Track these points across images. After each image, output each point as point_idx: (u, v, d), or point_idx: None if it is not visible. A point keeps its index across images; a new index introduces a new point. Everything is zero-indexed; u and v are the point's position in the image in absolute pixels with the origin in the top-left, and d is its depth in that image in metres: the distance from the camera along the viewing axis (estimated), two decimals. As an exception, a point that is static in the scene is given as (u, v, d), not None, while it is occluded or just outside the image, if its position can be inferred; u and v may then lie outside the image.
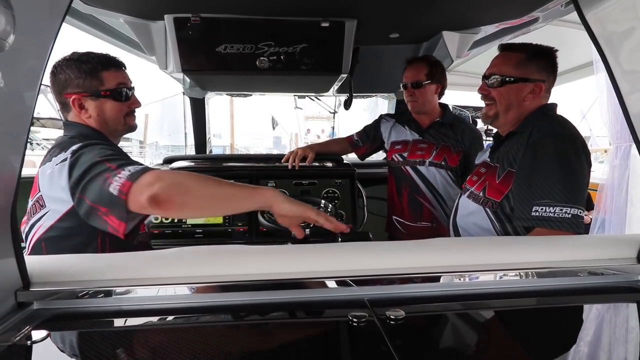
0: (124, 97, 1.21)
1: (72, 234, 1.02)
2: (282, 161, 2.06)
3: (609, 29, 0.93)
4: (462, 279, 0.80)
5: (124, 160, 0.93)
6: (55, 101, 1.18)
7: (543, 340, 0.65)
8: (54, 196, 1.00)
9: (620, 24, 0.91)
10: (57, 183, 0.98)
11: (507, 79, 1.29)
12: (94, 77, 1.16)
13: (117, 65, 1.21)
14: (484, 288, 0.79)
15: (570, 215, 1.11)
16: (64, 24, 1.77)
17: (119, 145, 1.30)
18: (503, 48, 1.37)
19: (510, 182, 1.26)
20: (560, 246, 0.91)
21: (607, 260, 0.87)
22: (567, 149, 1.19)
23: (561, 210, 1.12)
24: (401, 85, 1.99)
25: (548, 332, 0.68)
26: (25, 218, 1.10)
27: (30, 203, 1.08)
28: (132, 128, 1.28)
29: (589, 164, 1.22)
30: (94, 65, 1.16)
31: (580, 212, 1.13)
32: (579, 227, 1.13)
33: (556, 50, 1.34)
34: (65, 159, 0.98)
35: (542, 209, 1.14)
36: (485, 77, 1.36)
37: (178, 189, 0.86)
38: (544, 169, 1.17)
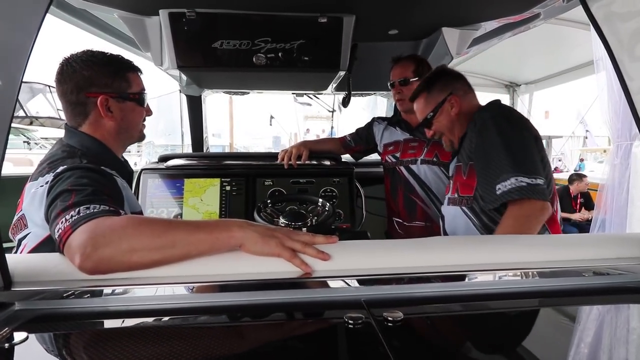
0: (145, 102, 1.18)
1: None
2: (278, 161, 2.03)
3: (615, 22, 0.90)
4: (462, 279, 0.78)
5: (87, 196, 0.83)
6: (65, 101, 1.08)
7: (547, 343, 0.62)
8: (34, 219, 0.95)
9: (627, 15, 0.88)
10: (37, 207, 0.93)
11: (429, 116, 1.50)
12: (122, 78, 1.11)
13: (138, 68, 1.17)
14: (485, 288, 0.76)
15: (525, 184, 1.17)
16: (58, 20, 1.74)
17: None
18: (411, 99, 1.58)
19: (475, 174, 1.34)
20: (564, 245, 0.88)
21: (612, 259, 0.84)
22: (503, 124, 1.29)
23: (516, 179, 1.18)
24: (389, 85, 1.98)
25: (552, 335, 0.65)
26: (12, 227, 1.03)
27: (15, 217, 1.02)
28: (143, 137, 1.24)
29: (530, 132, 1.30)
30: (121, 66, 1.12)
31: (533, 180, 1.17)
32: (540, 195, 1.17)
33: (442, 65, 1.63)
34: (48, 182, 0.92)
35: (502, 185, 1.20)
36: (421, 124, 1.56)
37: (114, 252, 0.71)
38: (491, 149, 1.26)
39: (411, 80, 1.89)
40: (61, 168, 0.93)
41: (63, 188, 0.86)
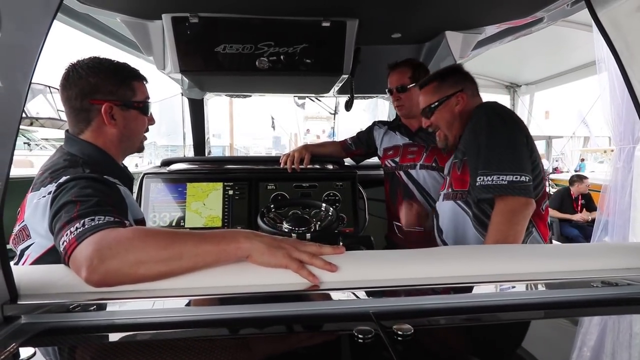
0: (149, 111, 1.19)
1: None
2: (281, 165, 2.03)
3: (622, 28, 0.90)
4: (471, 290, 0.77)
5: (92, 207, 0.82)
6: (69, 107, 1.08)
7: (558, 355, 0.62)
8: (37, 229, 0.94)
9: (634, 22, 0.88)
10: (40, 217, 0.92)
11: (433, 105, 1.50)
12: (127, 86, 1.11)
13: (143, 77, 1.17)
14: (495, 300, 0.76)
15: (506, 182, 1.22)
16: (61, 24, 1.74)
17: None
18: (420, 86, 1.58)
19: (468, 169, 1.39)
20: (573, 255, 0.88)
21: (621, 270, 0.83)
22: (496, 122, 1.32)
23: (498, 177, 1.23)
24: (387, 91, 1.97)
25: (563, 347, 0.65)
26: (13, 237, 1.03)
27: (17, 227, 1.01)
28: (142, 148, 1.24)
29: (521, 132, 1.33)
30: (127, 74, 1.12)
31: (518, 178, 1.22)
32: (522, 191, 1.22)
33: (460, 65, 1.61)
34: (51, 192, 0.91)
35: (480, 179, 1.27)
36: (422, 114, 1.57)
37: (120, 264, 0.71)
38: (481, 144, 1.31)
39: (408, 86, 1.88)
40: (64, 178, 0.92)
41: (67, 199, 0.85)
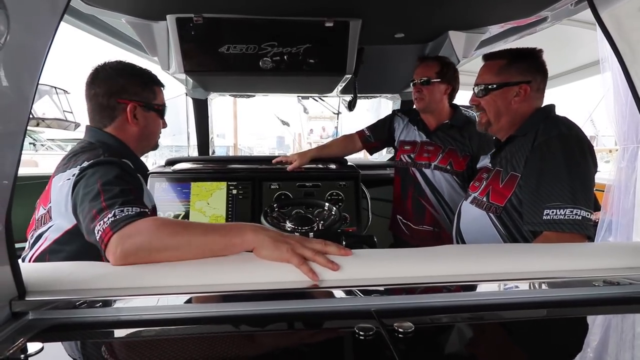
0: (164, 115, 1.29)
1: (76, 251, 1.00)
2: (274, 161, 2.05)
3: (625, 28, 0.90)
4: (472, 289, 0.77)
5: (119, 196, 0.90)
6: (95, 103, 1.15)
7: (558, 354, 0.62)
8: (60, 211, 1.00)
9: (637, 22, 0.88)
10: (64, 199, 0.99)
11: (490, 86, 1.33)
12: (149, 90, 1.22)
13: (162, 84, 1.28)
14: (496, 298, 0.76)
15: (580, 217, 1.11)
16: (66, 25, 1.76)
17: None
18: (486, 58, 1.40)
19: (513, 185, 1.25)
20: (574, 254, 0.88)
21: (623, 269, 0.83)
22: (574, 150, 1.18)
23: (571, 212, 1.11)
24: (411, 83, 1.94)
25: (563, 345, 0.65)
26: (33, 224, 1.09)
27: (42, 211, 1.07)
28: (157, 146, 1.33)
29: (595, 166, 1.22)
30: (150, 79, 1.23)
31: (589, 215, 1.12)
32: (589, 230, 1.12)
33: (540, 50, 1.34)
34: (75, 175, 0.99)
35: (552, 212, 1.13)
36: (474, 88, 1.39)
37: (152, 245, 0.80)
38: (551, 171, 1.17)
39: (432, 80, 1.85)
40: (86, 163, 0.99)
41: (91, 187, 0.92)
